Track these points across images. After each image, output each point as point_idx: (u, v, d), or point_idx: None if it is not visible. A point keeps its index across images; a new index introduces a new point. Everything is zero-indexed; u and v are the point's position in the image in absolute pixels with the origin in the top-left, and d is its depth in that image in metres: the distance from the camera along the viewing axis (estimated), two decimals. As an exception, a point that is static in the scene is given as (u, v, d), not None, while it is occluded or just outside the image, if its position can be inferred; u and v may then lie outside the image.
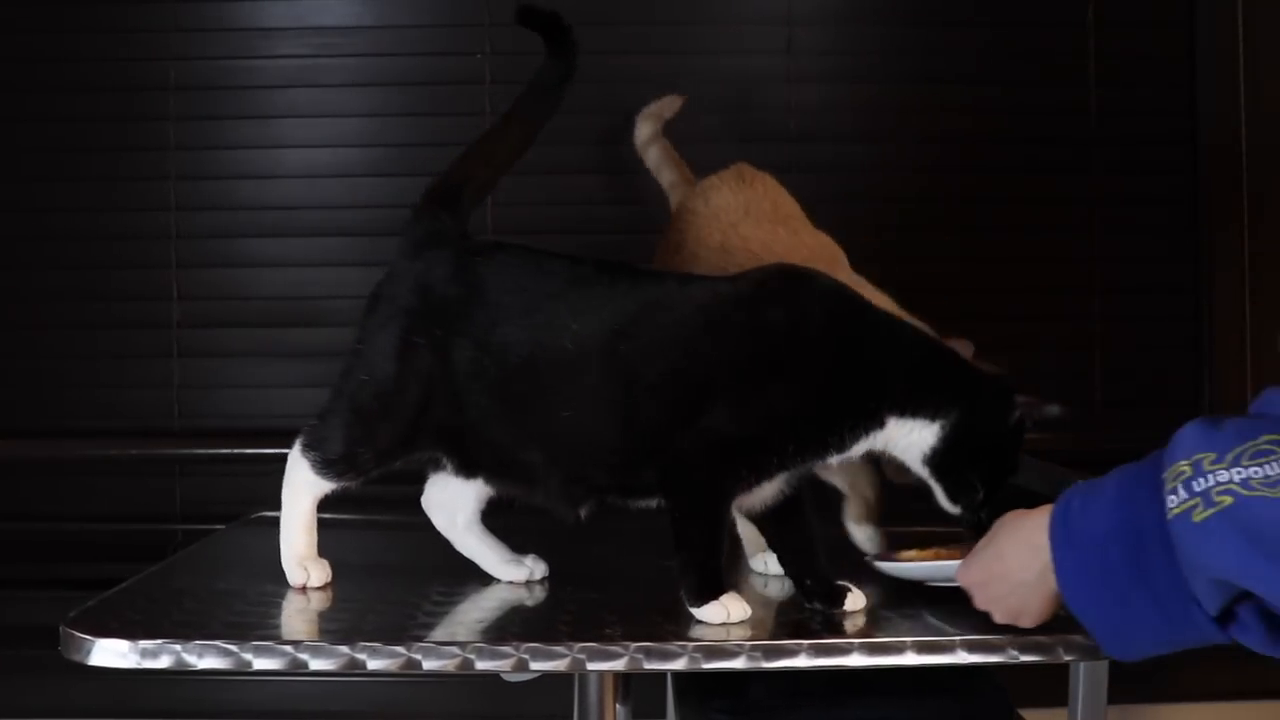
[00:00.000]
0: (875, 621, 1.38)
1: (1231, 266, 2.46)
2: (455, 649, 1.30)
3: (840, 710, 1.69)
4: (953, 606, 1.36)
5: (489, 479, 1.49)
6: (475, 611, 1.47)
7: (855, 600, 1.40)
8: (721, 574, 1.38)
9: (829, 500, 1.66)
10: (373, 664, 1.29)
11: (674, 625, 1.35)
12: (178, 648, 1.29)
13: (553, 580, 1.55)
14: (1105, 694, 1.82)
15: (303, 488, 1.49)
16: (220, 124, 2.50)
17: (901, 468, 1.45)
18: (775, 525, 1.43)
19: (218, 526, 2.02)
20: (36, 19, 2.48)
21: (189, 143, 2.49)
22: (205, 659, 1.29)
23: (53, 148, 2.50)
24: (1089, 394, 2.50)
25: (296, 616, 1.45)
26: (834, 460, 1.41)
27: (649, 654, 1.29)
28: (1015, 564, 1.28)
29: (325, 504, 1.50)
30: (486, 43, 2.47)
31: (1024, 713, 1.80)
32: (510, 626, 1.41)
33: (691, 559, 1.37)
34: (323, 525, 1.51)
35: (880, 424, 1.38)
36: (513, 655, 1.29)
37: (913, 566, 1.44)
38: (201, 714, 2.41)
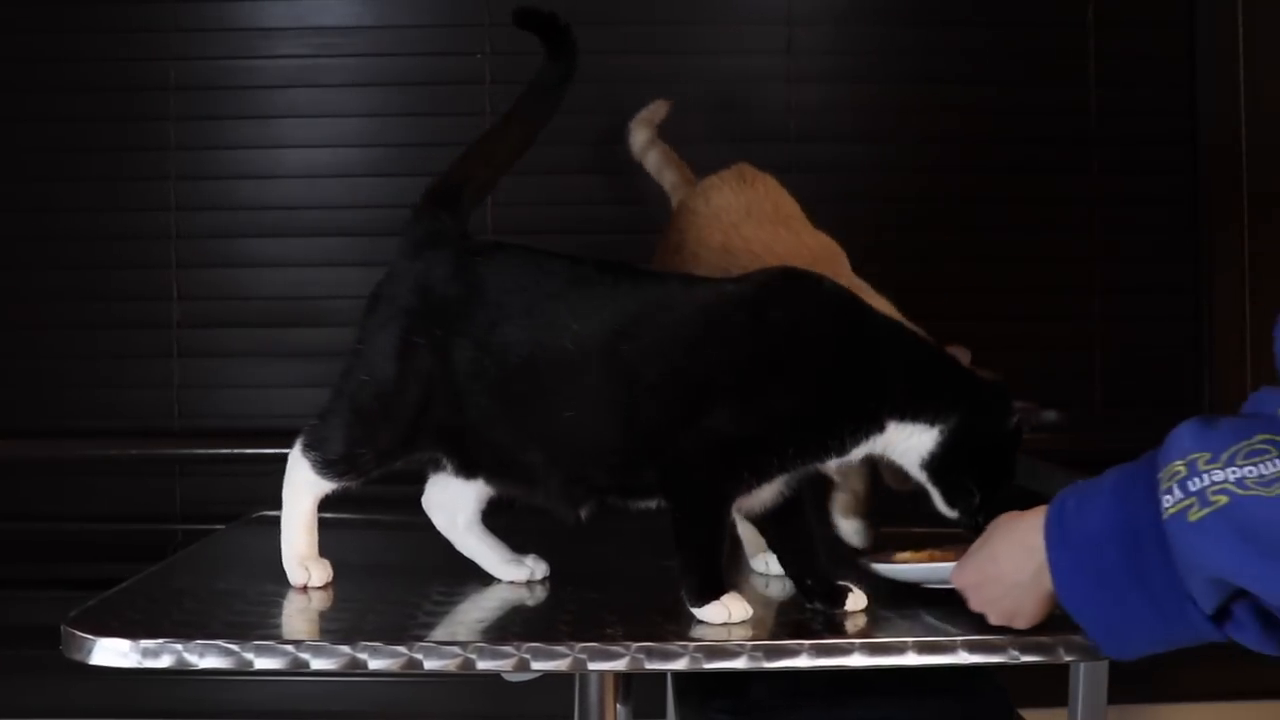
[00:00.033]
0: (876, 621, 1.38)
1: (1231, 266, 2.46)
2: (456, 649, 1.30)
3: (841, 710, 1.70)
4: (952, 607, 1.36)
5: (489, 479, 1.49)
6: (476, 611, 1.47)
7: (856, 600, 1.40)
8: (722, 574, 1.38)
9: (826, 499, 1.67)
10: (374, 664, 1.29)
11: (675, 625, 1.35)
12: (179, 647, 1.29)
13: (553, 580, 1.55)
14: (1105, 694, 1.82)
15: (303, 487, 1.49)
16: (220, 124, 2.50)
17: (901, 474, 1.45)
18: (775, 526, 1.43)
19: (218, 526, 2.02)
20: (36, 19, 2.48)
21: (189, 143, 2.49)
22: (206, 658, 1.29)
23: (53, 148, 2.50)
24: (1089, 394, 2.50)
25: (297, 616, 1.45)
26: (833, 463, 1.41)
27: (650, 654, 1.29)
28: (1009, 565, 1.28)
29: (326, 504, 1.50)
30: (486, 43, 2.47)
31: (1024, 713, 1.80)
32: (511, 626, 1.41)
33: (692, 559, 1.37)
34: (323, 525, 1.51)
35: (880, 428, 1.39)
36: (514, 655, 1.29)
37: (907, 568, 1.44)
38: (202, 714, 2.41)
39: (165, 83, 2.48)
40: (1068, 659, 1.31)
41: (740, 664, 1.30)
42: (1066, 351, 2.51)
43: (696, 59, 2.50)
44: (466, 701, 2.40)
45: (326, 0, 2.49)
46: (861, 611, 1.39)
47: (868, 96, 2.51)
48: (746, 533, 1.60)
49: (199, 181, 2.49)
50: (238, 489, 2.41)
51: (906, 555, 1.49)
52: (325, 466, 1.47)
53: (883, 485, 1.59)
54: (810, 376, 1.37)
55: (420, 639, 1.31)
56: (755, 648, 1.30)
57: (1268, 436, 1.09)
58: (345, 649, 1.29)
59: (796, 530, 1.43)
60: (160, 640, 1.29)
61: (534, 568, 1.55)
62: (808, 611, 1.41)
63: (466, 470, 1.48)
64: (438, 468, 1.51)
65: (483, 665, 1.29)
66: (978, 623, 1.33)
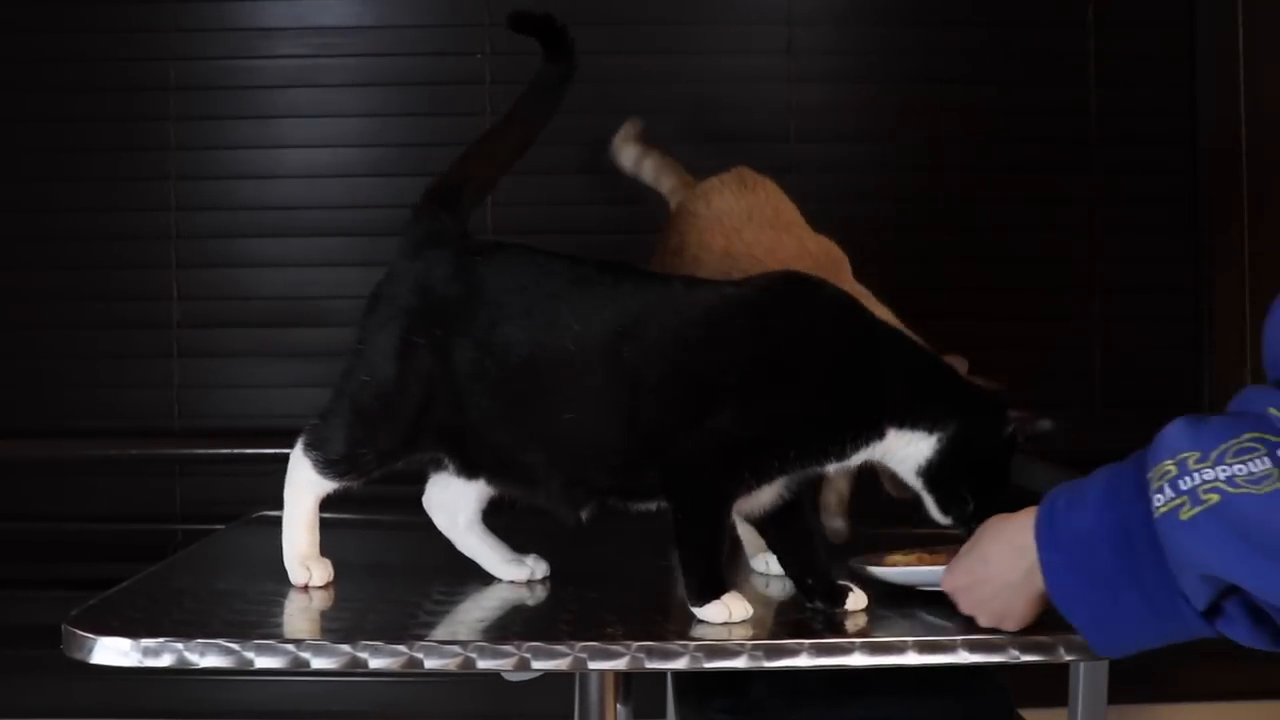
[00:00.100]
0: (876, 621, 1.38)
1: (1231, 266, 2.46)
2: (457, 648, 1.30)
3: (841, 710, 1.70)
4: (951, 607, 1.36)
5: (490, 480, 1.49)
6: (476, 611, 1.47)
7: (856, 600, 1.40)
8: (723, 574, 1.38)
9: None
10: (374, 663, 1.29)
11: (675, 625, 1.35)
12: (179, 646, 1.29)
13: (554, 580, 1.55)
14: (1105, 694, 1.82)
15: (305, 487, 1.49)
16: (220, 124, 2.50)
17: (901, 482, 1.45)
18: (775, 527, 1.44)
19: (218, 526, 2.02)
20: (36, 19, 2.48)
21: (189, 143, 2.49)
22: (207, 657, 1.29)
23: (53, 148, 2.50)
24: (1089, 394, 2.50)
25: (298, 615, 1.45)
26: (832, 468, 1.41)
27: (650, 653, 1.29)
28: (1000, 566, 1.29)
29: (326, 503, 1.50)
30: (486, 43, 2.47)
31: (1024, 713, 1.80)
32: (511, 626, 1.41)
33: (693, 559, 1.37)
34: (324, 525, 1.51)
35: (880, 435, 1.39)
36: (514, 654, 1.29)
37: (897, 571, 1.45)
38: (202, 714, 2.42)
39: (165, 83, 2.48)
40: (1068, 659, 1.31)
41: (740, 663, 1.30)
42: (1066, 351, 2.51)
43: (696, 59, 2.50)
44: (466, 701, 2.40)
45: (326, 0, 2.49)
46: (861, 611, 1.39)
47: (868, 97, 2.51)
48: (746, 533, 1.60)
49: (199, 181, 2.49)
50: (238, 489, 2.41)
51: (896, 557, 1.49)
52: (327, 466, 1.47)
53: (883, 493, 1.59)
54: (812, 380, 1.38)
55: (421, 638, 1.31)
56: (755, 647, 1.30)
57: (1256, 435, 1.10)
58: (346, 648, 1.29)
59: (796, 530, 1.43)
60: (161, 639, 1.29)
61: (534, 567, 1.55)
62: (808, 611, 1.41)
63: (468, 471, 1.48)
64: (439, 467, 1.51)
65: (483, 665, 1.29)
66: (973, 623, 1.33)
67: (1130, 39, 2.50)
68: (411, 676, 2.27)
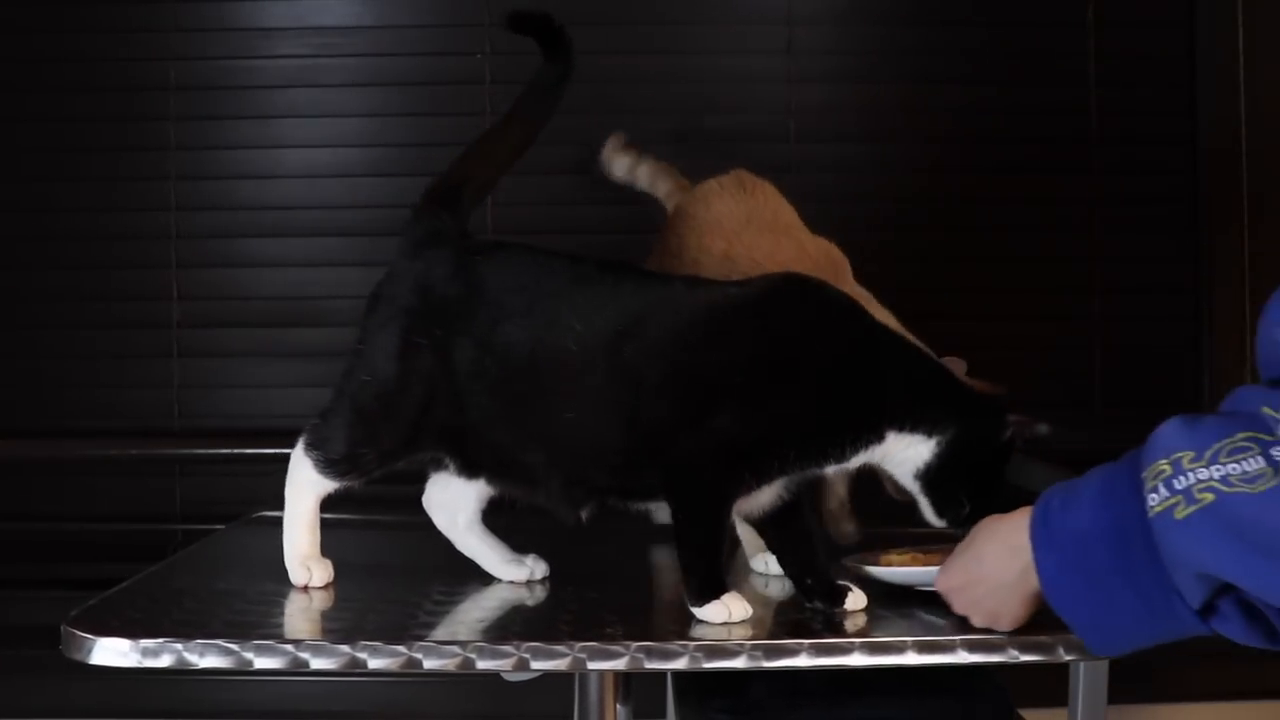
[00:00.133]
0: (876, 621, 1.38)
1: (1231, 266, 2.46)
2: (456, 648, 1.30)
3: (840, 710, 1.70)
4: (948, 607, 1.36)
5: (490, 479, 1.49)
6: (476, 611, 1.47)
7: (856, 600, 1.40)
8: (723, 574, 1.38)
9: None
10: (374, 663, 1.29)
11: (675, 625, 1.35)
12: (179, 647, 1.29)
13: (553, 580, 1.55)
14: (1105, 694, 1.82)
15: (305, 487, 1.48)
16: (220, 124, 2.50)
17: (899, 485, 1.45)
18: (774, 527, 1.44)
19: (218, 526, 2.02)
20: (36, 19, 2.48)
21: (189, 143, 2.49)
22: (206, 658, 1.29)
23: (53, 148, 2.51)
24: (1089, 394, 2.50)
25: (297, 616, 1.45)
26: (831, 470, 1.41)
27: (650, 653, 1.29)
28: (993, 566, 1.29)
29: (326, 503, 1.50)
30: (486, 43, 2.47)
31: (1024, 713, 1.80)
32: (511, 626, 1.41)
33: (693, 559, 1.37)
34: (324, 525, 1.51)
35: (880, 437, 1.39)
36: (514, 655, 1.29)
37: (892, 571, 1.45)
38: (202, 714, 2.42)
39: (165, 83, 2.48)
40: (1068, 659, 1.31)
41: (740, 663, 1.30)
42: (1066, 351, 2.51)
43: (696, 59, 2.50)
44: (466, 701, 2.40)
45: (326, 0, 2.50)
46: (861, 611, 1.39)
47: (868, 97, 2.51)
48: (746, 533, 1.60)
49: (199, 181, 2.49)
50: (238, 489, 2.41)
51: (891, 557, 1.49)
52: (328, 466, 1.47)
53: (883, 493, 1.59)
54: (813, 382, 1.38)
55: (420, 638, 1.31)
56: (755, 647, 1.30)
57: (1249, 434, 1.11)
58: (345, 648, 1.29)
59: (795, 531, 1.43)
60: (160, 640, 1.29)
61: (534, 568, 1.55)
62: (807, 611, 1.41)
63: (468, 470, 1.48)
64: (439, 467, 1.51)
65: (483, 665, 1.29)
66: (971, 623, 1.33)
67: (1130, 39, 2.50)
68: (411, 677, 2.26)
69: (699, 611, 1.36)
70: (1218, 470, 1.10)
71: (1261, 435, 1.10)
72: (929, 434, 1.39)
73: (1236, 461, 1.10)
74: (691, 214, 1.79)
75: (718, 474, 1.36)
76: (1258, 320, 1.19)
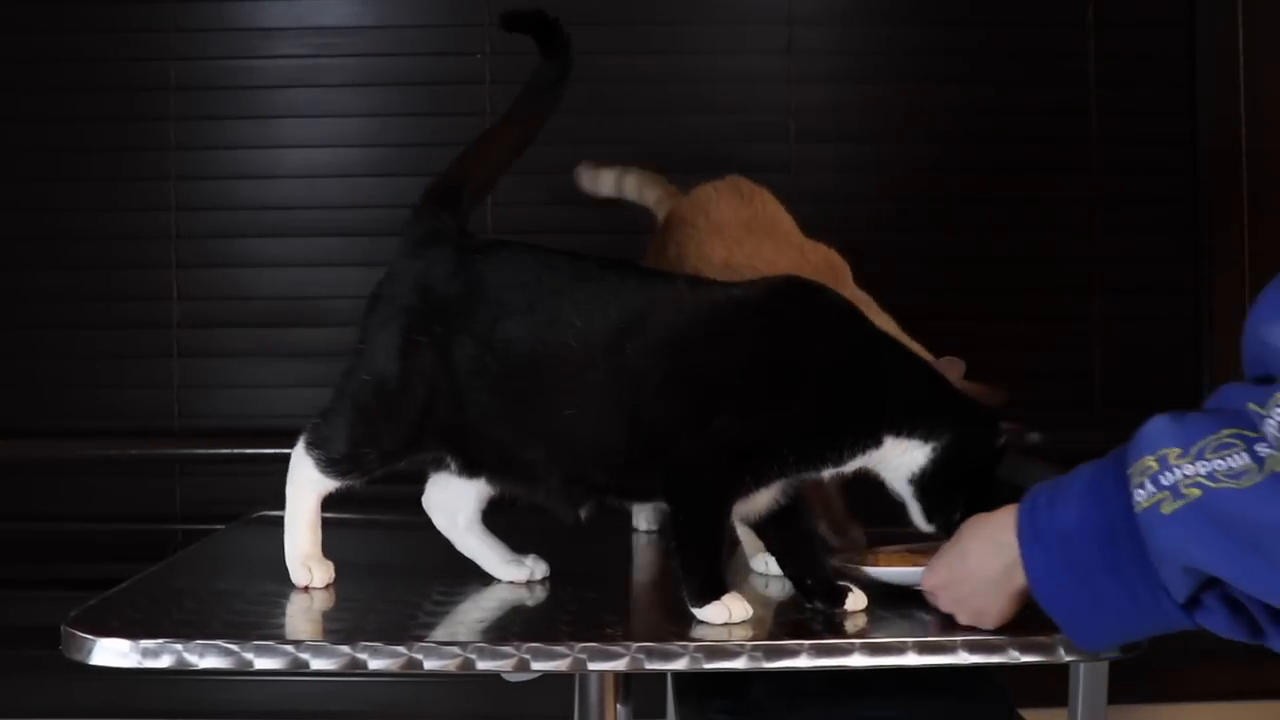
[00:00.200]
0: (876, 621, 1.38)
1: (1231, 266, 2.46)
2: (456, 649, 1.29)
3: (841, 710, 1.70)
4: (943, 605, 1.37)
5: (491, 477, 1.49)
6: (476, 611, 1.47)
7: (856, 600, 1.40)
8: (723, 574, 1.38)
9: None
10: (374, 664, 1.29)
11: (675, 625, 1.35)
12: (179, 647, 1.29)
13: (553, 580, 1.55)
14: (1105, 694, 1.82)
15: (307, 486, 1.48)
16: (220, 124, 2.50)
17: None
18: (773, 528, 1.44)
19: (218, 526, 2.02)
20: (36, 19, 2.48)
21: (189, 143, 2.49)
22: (206, 658, 1.29)
23: (53, 148, 2.51)
24: (1089, 394, 2.50)
25: (298, 616, 1.45)
26: (828, 473, 1.41)
27: (650, 654, 1.29)
28: (979, 562, 1.30)
29: (326, 503, 1.50)
30: (486, 43, 2.47)
31: (1024, 713, 1.80)
32: (511, 626, 1.41)
33: (694, 560, 1.37)
34: (324, 525, 1.51)
35: (878, 442, 1.39)
36: (514, 655, 1.29)
37: (881, 571, 1.45)
38: (202, 714, 2.42)
39: (165, 83, 2.49)
40: (1068, 659, 1.31)
41: (740, 664, 1.30)
42: (1066, 351, 2.51)
43: (696, 59, 2.50)
44: (466, 702, 2.40)
45: (326, 0, 2.50)
46: (861, 612, 1.39)
47: (868, 97, 2.51)
48: (746, 533, 1.60)
49: (199, 181, 2.49)
50: (238, 489, 2.41)
51: (879, 556, 1.50)
52: (329, 465, 1.47)
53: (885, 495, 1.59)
54: (815, 385, 1.38)
55: (420, 639, 1.31)
56: (755, 648, 1.30)
57: (1234, 431, 1.12)
58: (345, 649, 1.29)
59: (795, 531, 1.43)
60: (160, 640, 1.29)
61: (534, 568, 1.55)
62: (808, 611, 1.41)
63: (469, 469, 1.48)
64: (439, 467, 1.51)
65: (483, 665, 1.29)
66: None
67: (1130, 39, 2.50)
68: (411, 677, 2.26)
69: (699, 612, 1.36)
70: (1204, 466, 1.11)
71: (1246, 432, 1.11)
72: (925, 439, 1.40)
73: (1222, 458, 1.11)
74: (690, 221, 1.78)
75: (718, 475, 1.36)
76: (1244, 319, 1.20)
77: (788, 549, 1.44)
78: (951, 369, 1.48)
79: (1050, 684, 1.80)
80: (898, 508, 1.45)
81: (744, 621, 1.35)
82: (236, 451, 2.45)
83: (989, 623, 1.32)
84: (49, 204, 2.51)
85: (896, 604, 1.41)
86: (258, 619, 1.40)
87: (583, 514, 1.45)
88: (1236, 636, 1.18)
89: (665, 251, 1.79)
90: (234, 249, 2.50)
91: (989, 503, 1.34)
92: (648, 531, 1.83)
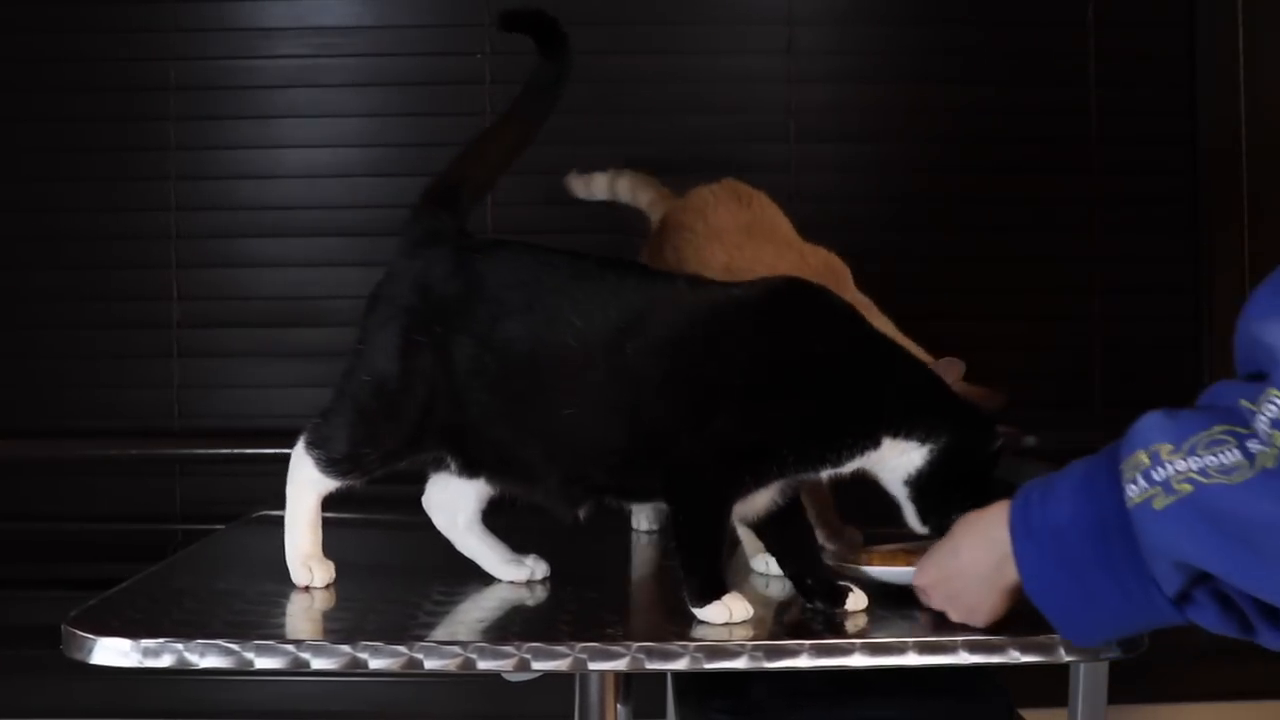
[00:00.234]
0: (876, 621, 1.38)
1: (1231, 266, 2.46)
2: (457, 648, 1.29)
3: (841, 710, 1.70)
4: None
5: (490, 477, 1.49)
6: (476, 611, 1.47)
7: (857, 600, 1.40)
8: (723, 574, 1.38)
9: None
10: (374, 663, 1.29)
11: (675, 625, 1.35)
12: (179, 647, 1.29)
13: (553, 580, 1.55)
14: (1105, 694, 1.82)
15: (307, 485, 1.48)
16: (220, 124, 2.50)
17: None
18: (772, 529, 1.44)
19: (218, 526, 2.02)
20: (36, 19, 2.48)
21: (189, 143, 2.49)
22: (207, 658, 1.29)
23: (53, 148, 2.51)
24: (1089, 394, 2.50)
25: (298, 616, 1.45)
26: (826, 474, 1.41)
27: (650, 654, 1.29)
28: (970, 558, 1.31)
29: (326, 503, 1.50)
30: (486, 43, 2.47)
31: (1024, 713, 1.80)
32: (511, 626, 1.41)
33: (694, 560, 1.37)
34: (324, 525, 1.51)
35: (876, 443, 1.39)
36: (514, 655, 1.29)
37: (874, 570, 1.46)
38: (202, 714, 2.42)
39: (165, 83, 2.49)
40: (1068, 659, 1.31)
41: (740, 664, 1.30)
42: (1066, 351, 2.51)
43: (696, 59, 2.50)
44: (466, 701, 2.40)
45: (326, 0, 2.50)
46: (861, 611, 1.39)
47: (868, 97, 2.51)
48: (746, 533, 1.60)
49: (199, 181, 2.49)
50: (238, 489, 2.41)
51: (875, 555, 1.50)
52: (330, 465, 1.47)
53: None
54: (815, 386, 1.38)
55: (421, 639, 1.31)
56: (755, 648, 1.30)
57: (1226, 427, 1.13)
58: (345, 648, 1.29)
59: (794, 531, 1.43)
60: (160, 640, 1.29)
61: (534, 568, 1.55)
62: (808, 611, 1.41)
63: (468, 468, 1.48)
64: (439, 467, 1.51)
65: (483, 665, 1.29)
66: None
67: (1130, 39, 2.50)
68: (411, 677, 2.26)
69: (700, 612, 1.36)
70: (1196, 462, 1.12)
71: (1238, 428, 1.12)
72: (922, 441, 1.40)
73: (1214, 454, 1.11)
74: (687, 226, 1.77)
75: (718, 475, 1.36)
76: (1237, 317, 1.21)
77: (787, 549, 1.44)
78: (951, 369, 1.48)
79: (1050, 684, 1.80)
80: (892, 510, 1.45)
81: (744, 621, 1.35)
82: (236, 451, 2.45)
83: (980, 620, 1.32)
84: (49, 204, 2.51)
85: (896, 604, 1.41)
86: (258, 619, 1.40)
87: (581, 514, 1.45)
88: (1227, 632, 1.19)
89: (662, 255, 1.78)
90: (234, 249, 2.50)
91: (984, 505, 1.34)
92: (648, 531, 1.83)
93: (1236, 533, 1.10)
